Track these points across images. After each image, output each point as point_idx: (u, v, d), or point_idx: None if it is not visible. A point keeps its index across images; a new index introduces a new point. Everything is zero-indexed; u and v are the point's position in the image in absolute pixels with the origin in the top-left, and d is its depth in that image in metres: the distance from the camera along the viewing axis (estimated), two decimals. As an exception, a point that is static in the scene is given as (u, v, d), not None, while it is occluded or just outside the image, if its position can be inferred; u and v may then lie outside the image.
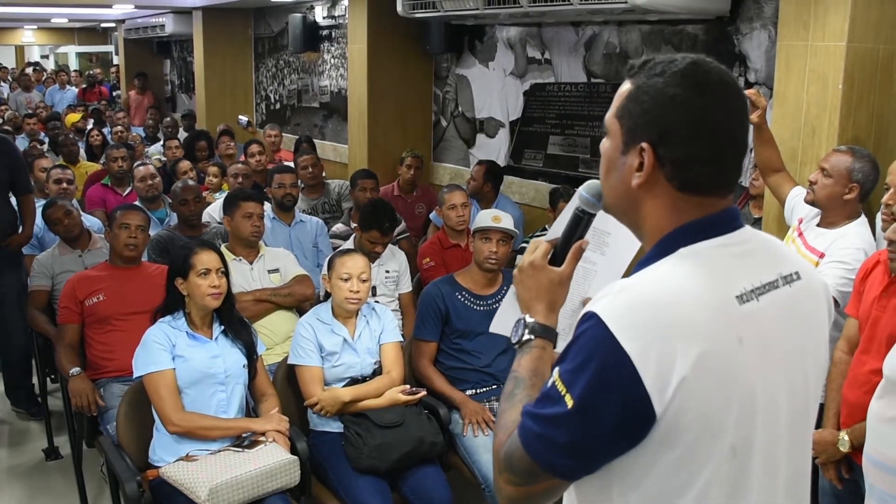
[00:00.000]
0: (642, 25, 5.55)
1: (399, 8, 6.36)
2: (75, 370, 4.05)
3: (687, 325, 1.26)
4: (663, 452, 1.28)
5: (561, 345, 1.45)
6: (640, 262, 1.41)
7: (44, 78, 17.02)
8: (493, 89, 6.99)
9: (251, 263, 4.54)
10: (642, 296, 1.30)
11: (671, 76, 1.35)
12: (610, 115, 1.45)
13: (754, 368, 1.31)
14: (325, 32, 9.27)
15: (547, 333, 1.56)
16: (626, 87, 1.42)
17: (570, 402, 1.28)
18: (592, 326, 1.28)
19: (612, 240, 1.76)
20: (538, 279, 1.61)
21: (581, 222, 1.62)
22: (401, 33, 7.42)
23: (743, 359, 1.30)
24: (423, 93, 7.76)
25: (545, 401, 1.33)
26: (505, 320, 1.80)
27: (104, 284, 4.25)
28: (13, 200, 5.29)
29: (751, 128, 3.67)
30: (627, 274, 1.41)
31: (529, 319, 1.58)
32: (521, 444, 1.35)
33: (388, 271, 4.76)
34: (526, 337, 1.56)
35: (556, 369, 1.33)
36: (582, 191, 1.61)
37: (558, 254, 1.63)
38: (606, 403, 1.26)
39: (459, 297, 4.02)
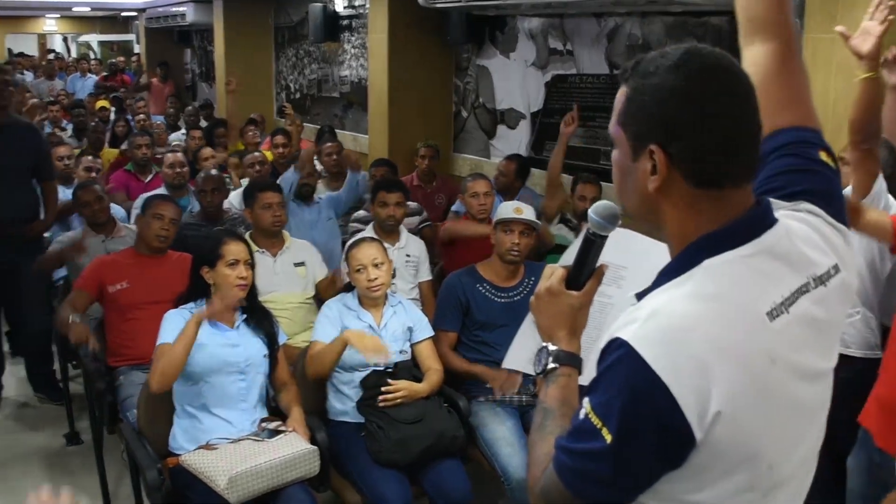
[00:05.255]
0: (665, 17, 5.52)
1: (420, -2, 6.36)
2: (76, 317, 4.06)
3: (721, 352, 1.22)
4: (701, 473, 1.26)
5: (585, 374, 1.42)
6: (663, 273, 1.36)
7: (66, 66, 17.08)
8: (515, 80, 6.97)
9: (274, 256, 4.55)
10: (673, 322, 1.25)
11: (665, 70, 1.30)
12: (613, 125, 1.40)
13: (787, 384, 1.29)
14: (345, 22, 9.27)
15: (572, 360, 1.52)
16: (621, 92, 1.37)
17: (608, 436, 1.24)
18: (625, 356, 1.24)
19: (629, 273, 1.72)
20: (557, 305, 1.56)
21: (593, 245, 1.56)
22: (421, 23, 7.41)
23: (777, 377, 1.27)
24: (443, 83, 7.75)
25: (580, 434, 1.29)
26: (519, 354, 1.75)
27: (129, 272, 4.26)
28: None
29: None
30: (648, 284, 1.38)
31: (552, 347, 1.54)
32: (560, 480, 1.32)
33: (408, 255, 4.80)
34: (551, 365, 1.52)
35: (587, 400, 1.29)
36: (592, 213, 1.55)
37: (572, 278, 1.58)
38: (646, 435, 1.22)
39: (480, 288, 4.00)
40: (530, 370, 1.57)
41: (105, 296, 4.24)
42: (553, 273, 1.59)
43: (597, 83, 6.13)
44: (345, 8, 9.17)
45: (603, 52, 6.04)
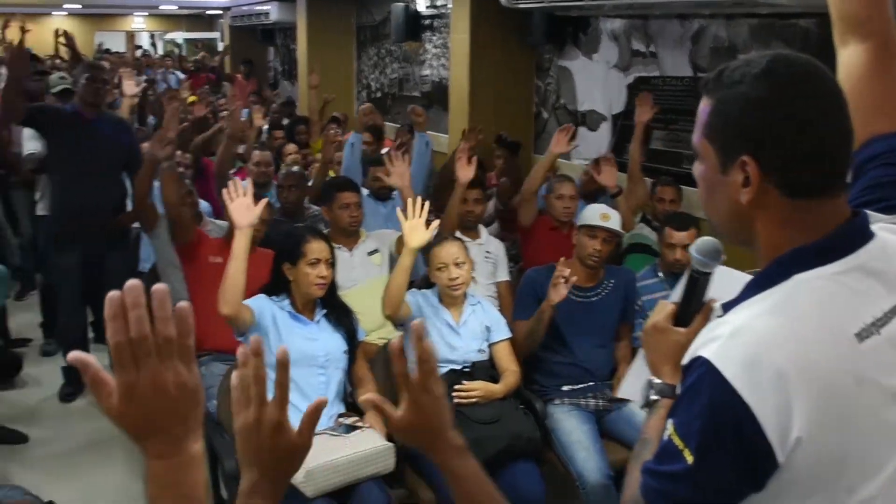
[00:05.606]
0: (751, 19, 5.42)
1: (503, -2, 6.36)
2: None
3: (804, 372, 1.19)
4: (778, 496, 1.23)
5: None
6: (751, 285, 1.33)
7: (152, 62, 17.43)
8: (596, 82, 6.91)
9: (350, 251, 4.58)
10: (758, 341, 1.21)
11: (752, 80, 1.26)
12: (697, 138, 1.37)
13: (875, 407, 1.24)
14: (427, 22, 9.30)
15: (674, 394, 1.52)
16: (705, 104, 1.34)
17: (689, 457, 1.22)
18: (707, 374, 1.21)
19: None
20: (664, 341, 1.58)
21: (698, 283, 1.58)
22: (503, 24, 7.39)
23: (863, 400, 1.23)
24: (524, 84, 7.72)
25: (664, 456, 1.28)
26: (632, 385, 1.78)
27: (222, 257, 4.33)
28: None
29: None
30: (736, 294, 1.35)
31: (656, 381, 1.56)
32: (645, 502, 1.31)
33: (487, 252, 4.80)
34: (653, 397, 1.54)
35: (671, 421, 1.28)
36: (693, 252, 1.56)
37: (680, 315, 1.59)
38: (727, 456, 1.20)
39: None
40: (639, 401, 1.60)
41: (200, 263, 4.33)
42: (662, 309, 1.61)
43: (680, 86, 6.04)
44: (427, 8, 9.20)
45: (687, 55, 5.96)
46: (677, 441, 1.24)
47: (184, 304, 1.07)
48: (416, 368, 1.31)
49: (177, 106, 5.06)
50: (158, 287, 1.05)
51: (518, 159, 6.87)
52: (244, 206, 3.47)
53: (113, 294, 1.03)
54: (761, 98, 1.26)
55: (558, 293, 3.69)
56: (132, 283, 1.04)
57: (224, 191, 3.53)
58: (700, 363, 1.23)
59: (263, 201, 3.45)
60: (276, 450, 1.24)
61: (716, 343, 1.23)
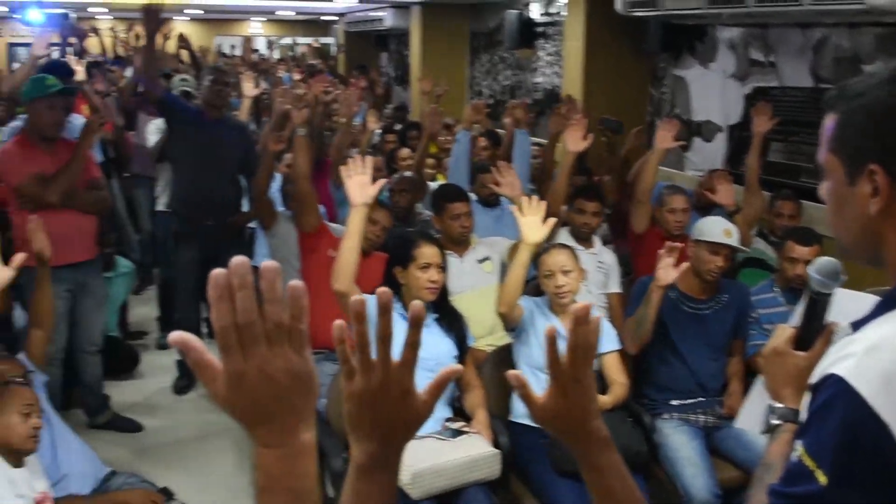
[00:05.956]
0: (877, 28, 5.24)
1: (618, 6, 6.30)
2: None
3: None
4: None
5: None
6: (883, 303, 1.29)
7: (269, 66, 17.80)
8: (712, 91, 6.79)
9: (461, 256, 4.60)
10: (894, 357, 1.17)
11: (876, 88, 1.26)
12: (824, 154, 1.36)
13: None
14: (540, 29, 9.29)
15: (796, 418, 1.49)
16: (830, 120, 1.34)
17: (822, 478, 1.18)
18: (841, 393, 1.17)
19: None
20: (784, 365, 1.57)
21: (818, 305, 1.56)
22: (618, 31, 7.34)
23: None
24: (638, 93, 7.65)
25: (793, 478, 1.23)
26: (751, 412, 1.77)
27: None
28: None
29: None
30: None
31: (778, 406, 1.54)
32: None
33: (600, 262, 4.75)
34: (774, 422, 1.53)
35: (800, 442, 1.24)
36: (812, 272, 1.55)
37: (801, 338, 1.57)
38: (864, 477, 1.15)
39: (671, 293, 3.90)
40: (759, 429, 1.59)
41: (318, 257, 4.38)
42: (782, 333, 1.59)
43: (800, 97, 5.89)
44: (540, 15, 9.20)
45: (808, 65, 5.81)
46: (808, 462, 1.20)
47: (297, 283, 0.97)
48: (568, 355, 1.25)
49: (284, 90, 5.16)
50: (268, 264, 0.94)
51: (622, 137, 6.71)
52: (361, 184, 3.50)
53: (218, 272, 0.93)
54: (885, 106, 1.25)
55: (667, 273, 3.65)
56: (239, 260, 0.93)
57: (342, 167, 3.57)
58: (833, 381, 1.19)
59: (381, 181, 3.48)
60: (401, 418, 1.13)
61: (849, 360, 1.20)
